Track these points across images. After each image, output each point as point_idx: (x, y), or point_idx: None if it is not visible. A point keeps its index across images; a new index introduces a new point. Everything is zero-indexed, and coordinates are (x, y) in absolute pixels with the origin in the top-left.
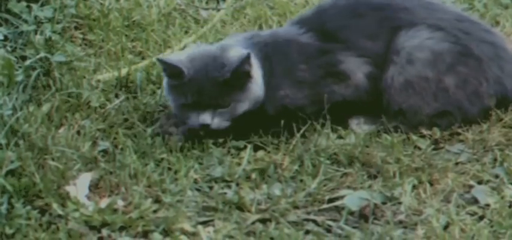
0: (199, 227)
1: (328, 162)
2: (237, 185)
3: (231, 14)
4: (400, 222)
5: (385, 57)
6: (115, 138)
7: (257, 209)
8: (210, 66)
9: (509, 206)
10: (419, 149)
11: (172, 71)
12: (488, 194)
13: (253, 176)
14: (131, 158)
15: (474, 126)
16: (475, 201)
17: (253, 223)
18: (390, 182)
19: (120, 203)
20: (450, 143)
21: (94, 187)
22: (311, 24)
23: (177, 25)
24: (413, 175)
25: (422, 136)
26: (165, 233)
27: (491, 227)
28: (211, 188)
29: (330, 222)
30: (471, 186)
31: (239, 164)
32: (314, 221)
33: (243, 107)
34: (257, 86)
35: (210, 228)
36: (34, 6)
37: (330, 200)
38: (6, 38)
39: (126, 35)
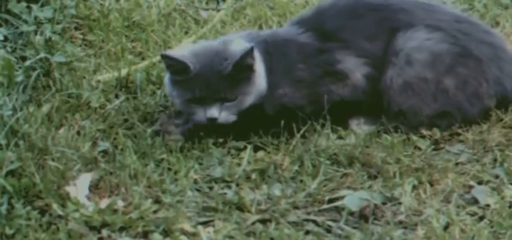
0: (200, 227)
1: (328, 162)
2: (237, 185)
3: (231, 14)
4: (400, 222)
5: (383, 58)
6: (115, 139)
7: (257, 210)
8: (215, 60)
9: (510, 207)
10: (420, 149)
11: (177, 66)
12: (488, 194)
13: (253, 176)
14: (131, 158)
15: (474, 127)
16: (475, 201)
17: (253, 223)
18: (390, 183)
19: (120, 204)
20: (450, 143)
21: (94, 187)
22: (310, 25)
23: (177, 25)
24: (413, 175)
25: (423, 136)
26: (165, 233)
27: (492, 227)
28: (211, 188)
29: (330, 223)
30: (471, 187)
31: (239, 165)
32: (314, 222)
33: (249, 100)
34: (261, 79)
35: (210, 229)
36: (34, 6)
37: (330, 201)
38: (6, 39)
39: (126, 36)
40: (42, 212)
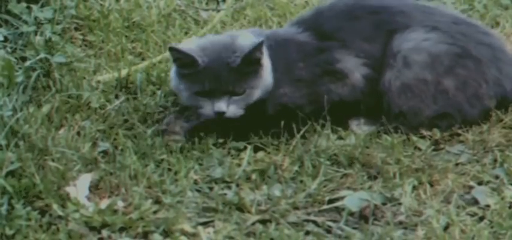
0: (200, 227)
1: (328, 163)
2: (237, 185)
3: (231, 15)
4: (400, 223)
5: (382, 60)
6: (115, 139)
7: (257, 210)
8: (223, 53)
9: (510, 207)
10: (420, 149)
11: (185, 59)
12: (488, 194)
13: (253, 176)
14: (131, 158)
15: (474, 127)
16: (475, 202)
17: (253, 224)
18: (390, 183)
19: (120, 204)
20: (450, 143)
21: (94, 188)
22: (309, 25)
23: (177, 26)
24: (413, 176)
25: (423, 137)
26: (165, 233)
27: (492, 228)
28: (211, 188)
29: (330, 223)
30: (471, 187)
31: (239, 165)
32: (314, 222)
33: (257, 94)
34: (268, 73)
35: (210, 229)
36: (34, 7)
37: (330, 201)
38: (6, 39)
39: (126, 36)
40: (42, 213)
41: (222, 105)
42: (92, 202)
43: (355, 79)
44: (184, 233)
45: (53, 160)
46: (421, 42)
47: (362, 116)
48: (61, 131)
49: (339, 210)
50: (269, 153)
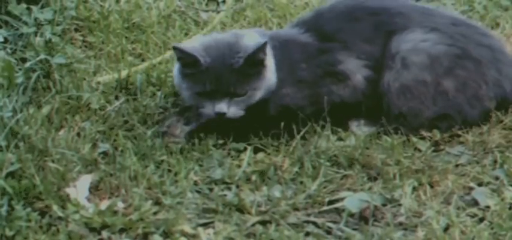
0: (200, 228)
1: (328, 164)
2: (237, 187)
3: (231, 16)
4: (400, 224)
5: (381, 61)
6: (115, 140)
7: (257, 211)
8: (227, 54)
9: (510, 208)
10: (420, 151)
11: (188, 59)
12: (488, 195)
13: (253, 178)
14: (131, 160)
15: (474, 128)
16: (475, 203)
17: (253, 225)
18: (390, 184)
19: (120, 205)
20: (450, 144)
21: (94, 189)
22: (309, 26)
23: (177, 27)
24: (413, 177)
25: (423, 138)
26: (165, 235)
27: (492, 229)
28: (211, 190)
29: (330, 224)
30: (471, 188)
31: (239, 166)
32: (314, 223)
33: (259, 95)
34: (271, 74)
35: (210, 230)
36: (34, 8)
37: (330, 202)
38: (6, 40)
39: (126, 37)
40: (42, 214)
41: (222, 106)
42: (92, 203)
43: (357, 81)
44: (184, 234)
45: (53, 161)
46: (420, 43)
47: (362, 117)
48: (61, 132)
49: (339, 211)
50: (269, 154)
